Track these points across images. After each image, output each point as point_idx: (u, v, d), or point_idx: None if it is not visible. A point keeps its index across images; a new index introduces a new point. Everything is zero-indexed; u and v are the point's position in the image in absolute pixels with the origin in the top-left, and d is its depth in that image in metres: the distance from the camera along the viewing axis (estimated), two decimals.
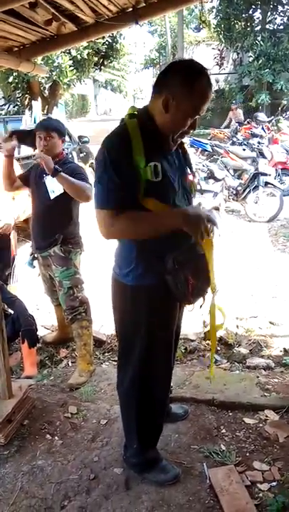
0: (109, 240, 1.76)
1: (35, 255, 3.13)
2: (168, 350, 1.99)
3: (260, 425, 2.47)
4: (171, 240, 1.71)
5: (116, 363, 3.21)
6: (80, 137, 8.70)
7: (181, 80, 1.61)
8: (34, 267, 3.19)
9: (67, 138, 8.00)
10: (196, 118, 1.69)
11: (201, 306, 1.87)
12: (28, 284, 3.95)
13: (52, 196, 2.87)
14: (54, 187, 2.85)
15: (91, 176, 8.53)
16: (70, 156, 7.03)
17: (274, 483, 2.07)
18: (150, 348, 1.89)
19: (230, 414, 2.58)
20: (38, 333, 3.28)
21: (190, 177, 1.92)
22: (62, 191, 2.83)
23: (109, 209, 1.65)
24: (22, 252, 5.74)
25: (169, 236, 1.70)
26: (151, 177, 1.62)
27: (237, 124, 12.71)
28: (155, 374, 1.97)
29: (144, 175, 1.62)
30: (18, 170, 3.38)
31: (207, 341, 3.41)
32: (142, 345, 1.88)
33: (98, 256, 2.06)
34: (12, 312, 3.25)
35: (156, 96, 1.68)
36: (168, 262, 1.71)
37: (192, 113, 1.66)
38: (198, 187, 6.42)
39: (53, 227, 2.95)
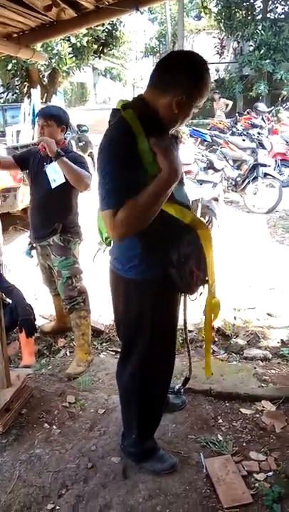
0: (121, 239, 1.67)
1: (34, 245, 3.12)
2: (171, 340, 2.01)
3: (257, 416, 2.49)
4: (174, 233, 1.71)
5: (114, 353, 3.26)
6: (79, 126, 8.64)
7: (191, 78, 1.61)
8: (32, 256, 3.18)
9: None
10: None
11: (200, 294, 1.88)
12: (26, 274, 3.95)
13: (53, 185, 2.85)
14: (55, 176, 2.83)
15: (90, 165, 8.50)
16: (70, 145, 6.98)
17: (270, 473, 2.08)
18: (153, 342, 1.88)
19: (228, 404, 2.59)
20: (36, 322, 3.28)
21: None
22: (63, 180, 2.81)
23: (112, 209, 1.56)
24: (20, 241, 5.74)
25: (172, 227, 1.70)
26: (158, 171, 1.58)
27: (223, 114, 12.63)
28: (157, 367, 1.97)
29: (152, 170, 1.58)
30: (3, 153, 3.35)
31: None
32: (146, 339, 1.87)
33: (95, 247, 2.05)
34: (10, 301, 3.25)
35: (159, 91, 1.64)
36: (173, 256, 1.71)
37: (198, 106, 1.70)
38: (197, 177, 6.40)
39: (53, 217, 2.93)
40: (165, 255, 1.72)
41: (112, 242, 1.93)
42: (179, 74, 1.61)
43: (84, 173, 2.81)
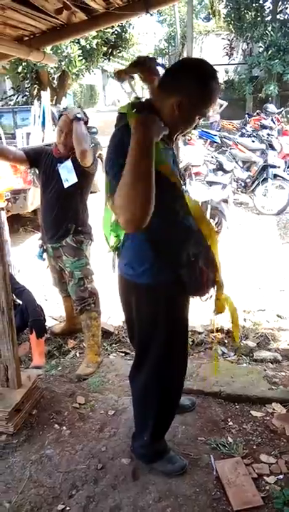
0: (134, 228, 1.47)
1: (45, 247, 3.13)
2: (184, 343, 2.01)
3: (267, 418, 2.48)
4: (181, 231, 1.72)
5: (123, 354, 3.27)
6: (88, 128, 8.66)
7: (195, 83, 1.62)
8: (44, 259, 3.20)
9: None
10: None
11: (211, 297, 1.87)
12: (37, 275, 3.97)
13: (65, 185, 2.87)
14: (68, 176, 2.85)
15: (99, 165, 8.51)
16: None
17: (281, 476, 2.07)
18: (168, 346, 1.89)
19: (238, 406, 2.58)
20: (46, 323, 3.29)
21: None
22: (75, 180, 2.83)
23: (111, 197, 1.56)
24: (30, 243, 5.77)
25: (179, 228, 1.71)
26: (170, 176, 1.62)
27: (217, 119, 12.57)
28: (172, 370, 1.98)
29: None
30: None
31: (214, 334, 3.41)
32: (161, 343, 1.88)
33: (105, 246, 2.05)
34: (21, 302, 3.27)
35: (164, 94, 1.67)
36: (183, 256, 1.71)
37: (203, 114, 1.71)
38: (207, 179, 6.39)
39: (65, 217, 2.94)
40: (175, 257, 1.72)
41: (118, 248, 1.95)
42: (185, 77, 1.64)
43: (89, 142, 2.82)
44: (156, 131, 1.52)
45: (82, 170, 2.87)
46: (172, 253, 1.73)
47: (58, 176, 2.88)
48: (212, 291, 1.86)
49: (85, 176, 2.90)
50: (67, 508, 1.94)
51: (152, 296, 1.82)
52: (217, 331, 3.38)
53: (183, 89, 1.62)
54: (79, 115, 2.79)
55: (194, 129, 2.04)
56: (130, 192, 1.41)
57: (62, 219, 2.95)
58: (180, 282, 1.75)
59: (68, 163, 2.85)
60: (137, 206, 1.41)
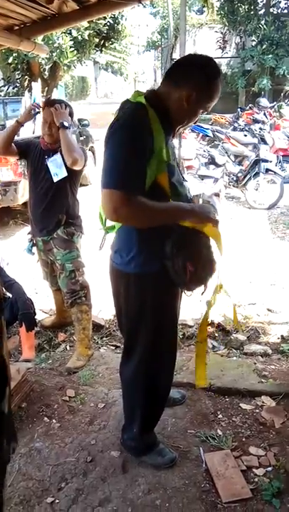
0: (115, 221, 1.72)
1: (34, 241, 3.11)
2: (173, 335, 2.01)
3: (257, 411, 2.49)
4: (169, 226, 1.71)
5: (114, 348, 3.26)
6: (79, 120, 8.60)
7: (204, 78, 1.69)
8: (34, 253, 3.17)
9: None
10: None
11: (202, 293, 1.87)
12: (27, 269, 3.94)
13: (55, 179, 2.85)
14: (57, 170, 2.82)
15: (90, 159, 8.46)
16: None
17: (269, 469, 2.09)
18: (156, 336, 1.89)
19: (227, 399, 2.59)
20: (36, 316, 3.27)
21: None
22: (65, 175, 2.81)
23: (122, 191, 1.54)
24: (20, 235, 5.74)
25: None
26: (167, 158, 1.67)
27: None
28: (161, 360, 1.98)
29: (161, 155, 1.63)
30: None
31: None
32: (148, 332, 1.88)
33: (96, 239, 2.04)
34: (10, 295, 3.25)
35: (172, 86, 1.71)
36: (166, 247, 1.71)
37: (207, 108, 1.78)
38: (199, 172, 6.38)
39: (56, 210, 2.92)
40: (159, 247, 1.73)
41: (110, 229, 1.94)
42: (194, 71, 1.71)
43: (78, 149, 2.79)
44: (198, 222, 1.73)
45: None
46: (157, 244, 1.73)
47: (46, 169, 2.86)
48: (199, 288, 1.85)
49: (73, 170, 2.86)
50: (57, 501, 1.94)
51: (139, 284, 1.82)
52: (208, 324, 3.39)
53: (193, 84, 1.68)
54: (65, 123, 2.74)
55: (195, 122, 2.06)
56: (152, 219, 1.66)
57: (52, 212, 2.93)
58: (166, 273, 1.75)
59: (58, 157, 2.83)
60: (139, 223, 1.69)
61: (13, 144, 3.02)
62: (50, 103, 2.84)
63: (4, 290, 3.20)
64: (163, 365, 2.02)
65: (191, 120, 1.81)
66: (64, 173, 2.82)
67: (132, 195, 1.55)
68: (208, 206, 1.82)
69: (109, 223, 1.90)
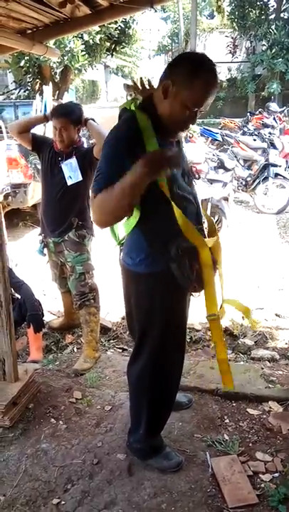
0: (102, 227, 1.74)
1: (45, 242, 3.13)
2: (182, 337, 2.01)
3: (264, 416, 2.48)
4: (176, 227, 1.71)
5: (121, 351, 3.27)
6: None
7: (185, 69, 1.59)
8: (45, 254, 3.19)
9: None
10: (196, 111, 1.66)
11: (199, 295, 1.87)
12: (35, 270, 3.96)
13: (69, 183, 2.87)
14: (72, 174, 2.85)
15: None
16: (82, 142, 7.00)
17: (276, 474, 2.07)
18: (165, 335, 1.89)
19: (234, 404, 2.58)
20: (44, 318, 3.29)
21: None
22: (80, 179, 2.84)
23: (93, 194, 1.63)
24: (30, 237, 5.77)
25: (174, 223, 1.70)
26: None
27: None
28: (169, 362, 1.98)
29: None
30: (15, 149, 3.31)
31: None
32: (157, 332, 1.89)
33: (105, 242, 2.06)
34: (19, 297, 3.27)
35: (159, 84, 1.69)
36: (172, 249, 1.72)
37: (191, 105, 1.62)
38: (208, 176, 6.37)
39: (68, 211, 2.94)
40: (165, 249, 1.74)
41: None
42: (178, 65, 1.65)
43: None
44: (157, 172, 1.57)
45: (86, 168, 2.87)
46: (163, 246, 1.74)
47: (60, 171, 2.88)
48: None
49: (88, 173, 2.89)
50: (62, 502, 1.94)
51: (149, 284, 1.84)
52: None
53: (172, 75, 1.62)
54: (88, 116, 2.84)
55: (191, 122, 1.96)
56: (115, 203, 1.58)
57: (65, 214, 2.94)
58: (174, 274, 1.75)
59: (73, 161, 2.85)
60: (114, 215, 1.66)
61: (30, 133, 3.05)
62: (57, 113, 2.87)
63: (13, 291, 3.23)
64: (170, 366, 2.01)
65: (174, 116, 1.66)
66: (79, 177, 2.84)
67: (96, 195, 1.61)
68: (156, 152, 1.60)
69: (122, 236, 1.95)
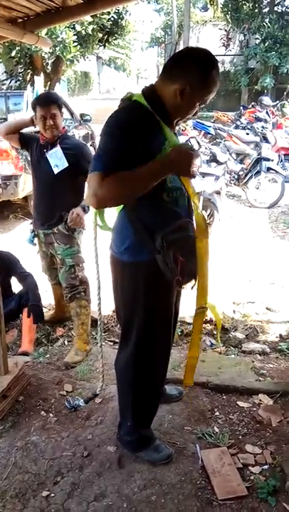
0: (99, 208, 1.77)
1: (36, 232, 3.11)
2: (167, 328, 1.99)
3: (254, 409, 2.49)
4: (163, 217, 1.74)
5: (112, 344, 3.26)
6: (82, 115, 8.58)
7: (199, 71, 1.67)
8: (35, 244, 3.18)
9: (68, 116, 7.92)
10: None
11: (192, 288, 1.88)
12: (26, 262, 3.93)
13: (55, 171, 2.85)
14: (57, 162, 2.83)
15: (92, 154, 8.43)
16: (72, 134, 6.94)
17: (266, 467, 2.09)
18: (149, 325, 1.90)
19: (225, 397, 2.59)
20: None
21: None
22: (66, 165, 2.81)
23: (99, 172, 1.58)
24: (21, 230, 5.72)
25: (161, 214, 1.74)
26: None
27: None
28: (153, 352, 1.98)
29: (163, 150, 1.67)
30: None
31: (204, 325, 3.41)
32: (141, 321, 1.89)
33: (98, 235, 2.04)
34: (21, 288, 3.30)
35: (168, 80, 1.72)
36: (157, 240, 1.73)
37: (202, 101, 1.75)
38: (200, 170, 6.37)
39: (58, 205, 2.92)
40: (150, 240, 1.75)
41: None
42: (188, 64, 1.69)
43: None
44: (183, 169, 1.69)
45: (73, 154, 2.85)
46: (148, 236, 1.75)
47: (46, 162, 2.86)
48: (190, 283, 1.86)
49: (75, 160, 2.86)
50: (52, 495, 1.94)
51: (132, 273, 1.86)
52: (206, 322, 3.39)
53: (186, 77, 1.67)
54: (85, 207, 2.83)
55: (194, 115, 2.02)
56: (131, 188, 1.62)
57: (54, 206, 2.93)
58: (158, 264, 1.76)
59: (58, 149, 2.84)
60: (121, 199, 1.68)
61: (17, 134, 3.07)
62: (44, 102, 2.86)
63: (18, 281, 3.32)
64: (156, 357, 2.01)
65: (187, 113, 1.79)
66: (64, 164, 2.82)
67: (108, 175, 1.57)
68: (186, 154, 1.69)
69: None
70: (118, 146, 1.61)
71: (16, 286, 3.44)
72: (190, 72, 1.67)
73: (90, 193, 1.60)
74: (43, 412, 2.42)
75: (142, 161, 1.61)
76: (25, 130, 3.12)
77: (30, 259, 3.56)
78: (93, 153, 3.26)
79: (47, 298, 3.75)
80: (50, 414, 2.42)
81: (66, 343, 3.32)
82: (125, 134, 1.61)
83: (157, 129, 1.68)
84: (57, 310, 3.55)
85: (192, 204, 1.84)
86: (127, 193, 1.65)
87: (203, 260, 1.78)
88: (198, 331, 2.01)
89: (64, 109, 3.09)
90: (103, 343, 3.25)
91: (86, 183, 2.70)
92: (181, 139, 7.75)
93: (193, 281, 1.85)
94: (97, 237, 2.05)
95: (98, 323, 2.23)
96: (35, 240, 3.15)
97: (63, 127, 2.96)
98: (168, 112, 1.73)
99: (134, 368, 1.98)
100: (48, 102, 2.84)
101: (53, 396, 2.55)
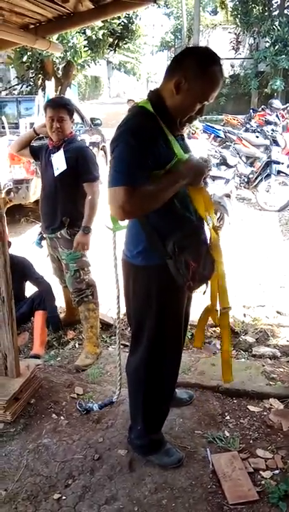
0: (126, 219, 1.80)
1: (44, 235, 3.14)
2: (178, 331, 2.00)
3: (265, 413, 2.48)
4: (174, 222, 1.75)
5: (122, 347, 3.26)
6: (92, 119, 8.63)
7: (195, 64, 1.65)
8: (42, 246, 3.21)
9: (79, 120, 7.97)
10: (204, 104, 1.74)
11: (204, 293, 1.90)
12: (37, 266, 3.96)
13: (56, 173, 2.89)
14: (58, 164, 2.86)
15: (102, 158, 8.47)
16: (83, 139, 6.98)
17: (277, 471, 2.08)
18: (160, 329, 1.90)
19: (235, 401, 2.59)
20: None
21: None
22: (64, 167, 2.85)
23: (125, 187, 1.60)
24: (32, 233, 5.76)
25: (173, 219, 1.76)
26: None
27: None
28: (164, 356, 1.98)
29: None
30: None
31: (213, 328, 3.41)
32: (152, 325, 1.90)
33: (105, 239, 2.06)
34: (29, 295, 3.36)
35: (168, 78, 1.72)
36: (168, 246, 1.74)
37: (201, 98, 1.70)
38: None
39: (60, 210, 2.96)
40: (162, 245, 1.76)
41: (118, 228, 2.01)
42: (185, 59, 1.70)
43: (94, 200, 2.94)
44: (195, 180, 1.75)
45: (74, 157, 2.88)
46: (160, 241, 1.76)
47: (51, 166, 2.92)
48: (202, 288, 1.88)
49: (75, 163, 2.89)
50: (63, 497, 1.95)
51: (145, 277, 1.87)
52: (216, 326, 3.38)
53: (183, 71, 1.66)
54: (86, 228, 2.92)
55: (199, 114, 1.98)
56: (154, 200, 1.67)
57: (57, 211, 2.96)
58: (169, 269, 1.77)
59: (60, 152, 2.88)
60: (147, 211, 1.71)
61: (28, 148, 3.14)
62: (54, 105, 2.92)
63: (32, 284, 3.42)
64: (167, 360, 2.01)
65: (188, 111, 1.73)
66: (63, 166, 2.86)
67: (134, 189, 1.60)
68: (198, 166, 1.76)
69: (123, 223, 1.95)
70: (136, 157, 1.62)
71: (28, 290, 3.47)
72: (185, 64, 1.67)
73: (117, 206, 1.62)
74: (54, 415, 2.43)
75: (152, 165, 1.65)
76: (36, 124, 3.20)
77: (41, 262, 3.59)
78: (101, 157, 3.30)
79: (58, 301, 3.77)
80: (62, 417, 2.43)
81: (77, 346, 3.33)
82: (139, 141, 1.63)
83: (160, 134, 1.70)
84: (67, 313, 3.58)
85: (208, 217, 1.85)
86: (152, 206, 1.69)
87: (220, 263, 1.81)
88: (227, 326, 1.99)
89: (75, 114, 3.13)
90: (114, 346, 3.28)
91: (93, 191, 2.77)
92: (191, 143, 7.77)
93: (205, 286, 1.87)
94: (116, 246, 2.11)
95: (117, 331, 2.27)
96: (43, 243, 3.18)
97: (71, 132, 2.99)
98: (169, 112, 1.72)
99: (145, 372, 1.99)
100: (58, 105, 2.90)
101: (64, 399, 2.57)
